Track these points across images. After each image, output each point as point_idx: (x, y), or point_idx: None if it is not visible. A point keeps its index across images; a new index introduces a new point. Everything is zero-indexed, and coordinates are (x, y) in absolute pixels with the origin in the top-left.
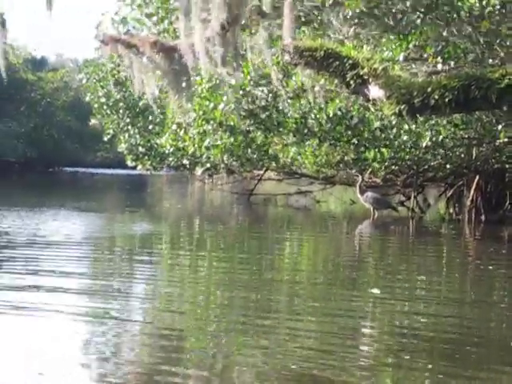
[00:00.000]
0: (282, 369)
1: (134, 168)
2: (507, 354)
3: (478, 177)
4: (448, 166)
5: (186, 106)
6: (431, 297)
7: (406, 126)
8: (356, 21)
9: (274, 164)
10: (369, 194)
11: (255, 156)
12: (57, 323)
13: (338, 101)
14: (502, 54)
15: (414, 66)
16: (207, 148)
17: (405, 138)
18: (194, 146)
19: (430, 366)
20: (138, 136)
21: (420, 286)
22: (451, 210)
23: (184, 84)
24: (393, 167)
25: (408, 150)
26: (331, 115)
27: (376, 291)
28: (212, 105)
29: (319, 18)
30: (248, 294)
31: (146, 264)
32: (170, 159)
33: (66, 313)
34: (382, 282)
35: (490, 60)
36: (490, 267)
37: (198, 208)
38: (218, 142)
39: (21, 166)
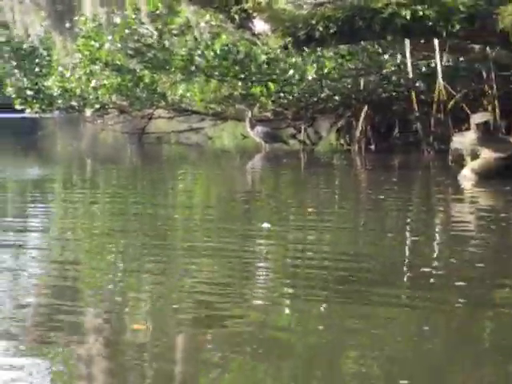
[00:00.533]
0: (176, 303)
1: (24, 111)
2: (397, 277)
3: (366, 107)
4: (337, 98)
5: (70, 46)
6: (323, 227)
7: (293, 60)
8: None
9: (163, 102)
10: (259, 128)
11: (144, 95)
12: None
13: (224, 36)
14: None
15: None
16: (94, 88)
17: (291, 72)
18: (80, 87)
19: (325, 293)
20: (24, 79)
21: (311, 217)
22: (342, 141)
23: (68, 24)
24: (281, 101)
25: (294, 83)
26: (218, 51)
27: (266, 225)
28: (97, 45)
29: None
30: (142, 234)
31: (39, 206)
32: (59, 101)
33: None
34: (274, 216)
35: None
36: (381, 196)
37: (88, 149)
38: (105, 82)
39: None
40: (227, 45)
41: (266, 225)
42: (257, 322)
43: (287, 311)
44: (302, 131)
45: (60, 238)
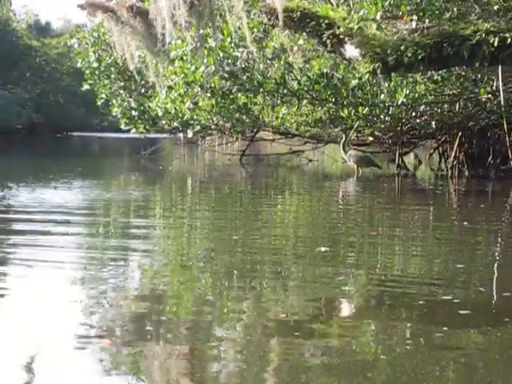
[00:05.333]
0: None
1: (142, 133)
2: (480, 304)
3: (460, 133)
4: (433, 123)
5: (162, 69)
6: (405, 251)
7: (386, 84)
8: None
9: (264, 125)
10: (352, 152)
11: (244, 117)
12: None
13: (322, 60)
14: (478, 11)
15: (390, 24)
16: (189, 110)
17: (382, 96)
18: (175, 108)
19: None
20: (130, 100)
21: (390, 241)
22: (437, 167)
23: (160, 47)
24: (377, 125)
25: (383, 106)
26: (312, 75)
27: (324, 249)
28: (193, 67)
29: None
30: (232, 254)
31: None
32: (162, 122)
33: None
34: (349, 238)
35: (467, 17)
36: (465, 223)
37: (191, 170)
38: (200, 104)
39: (27, 132)
40: (320, 69)
41: (323, 248)
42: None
43: (372, 333)
44: (397, 156)
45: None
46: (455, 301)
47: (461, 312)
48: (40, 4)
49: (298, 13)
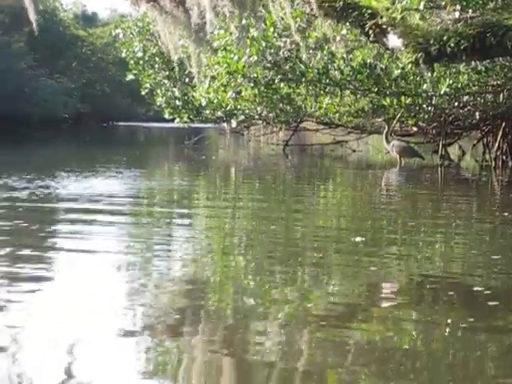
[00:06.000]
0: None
1: (186, 122)
2: None
3: (504, 124)
4: (477, 114)
5: (205, 59)
6: (446, 240)
7: (428, 74)
8: None
9: (302, 115)
10: (395, 142)
11: (288, 107)
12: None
13: (365, 50)
14: None
15: (433, 14)
16: (232, 100)
17: (424, 86)
18: (217, 98)
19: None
20: (174, 89)
21: (429, 231)
22: (481, 158)
23: (203, 37)
24: (420, 116)
25: (426, 96)
26: (355, 65)
27: (359, 239)
28: (236, 57)
29: None
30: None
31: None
32: (206, 112)
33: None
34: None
35: (511, 7)
36: (506, 214)
37: (235, 159)
38: (243, 94)
39: (74, 121)
40: (363, 59)
41: (358, 238)
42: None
43: (411, 321)
44: (440, 146)
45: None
46: (490, 292)
47: (490, 303)
48: None
49: (341, 3)
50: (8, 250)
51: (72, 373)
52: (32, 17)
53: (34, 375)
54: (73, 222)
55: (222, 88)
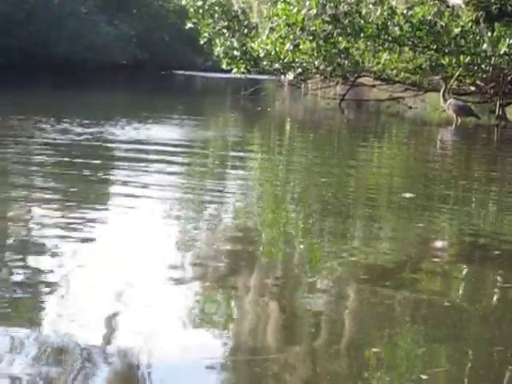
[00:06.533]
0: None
1: (243, 73)
2: None
3: None
4: None
5: (264, 10)
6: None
7: (488, 33)
8: None
9: (359, 70)
10: (452, 101)
11: (346, 62)
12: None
13: (426, 7)
14: None
15: None
16: (290, 52)
17: (484, 45)
18: (276, 50)
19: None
20: (233, 39)
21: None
22: None
23: None
24: (478, 75)
25: (485, 56)
26: (414, 22)
27: (409, 195)
28: (295, 9)
29: None
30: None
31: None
32: (264, 63)
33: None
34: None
35: None
36: None
37: (290, 112)
38: (301, 47)
39: (132, 68)
40: (423, 16)
41: (409, 194)
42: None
43: (461, 282)
44: (497, 106)
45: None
46: None
47: None
48: None
49: None
50: (59, 196)
51: (120, 320)
52: None
53: (83, 319)
54: (129, 168)
55: (281, 40)
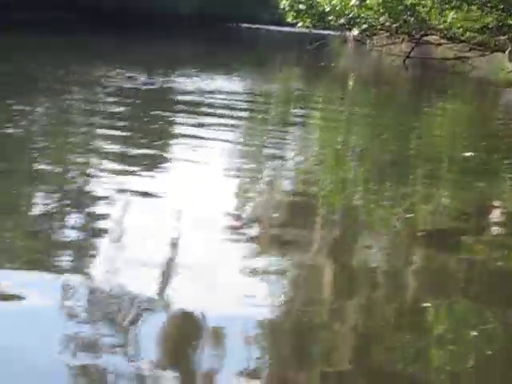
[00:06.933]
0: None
1: (308, 27)
2: None
3: None
4: None
5: None
6: None
7: None
8: None
9: (425, 27)
10: None
11: (412, 19)
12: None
13: None
14: None
15: None
16: (356, 7)
17: None
18: (341, 4)
19: None
20: None
21: None
22: None
23: None
24: None
25: None
26: None
27: (470, 153)
28: None
29: None
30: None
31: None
32: (330, 18)
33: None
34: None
35: None
36: None
37: (354, 68)
38: (367, 2)
39: (198, 20)
40: None
41: (470, 153)
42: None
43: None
44: None
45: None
46: None
47: None
48: None
49: None
50: (123, 149)
51: (176, 270)
52: None
53: (138, 268)
54: (190, 123)
55: None
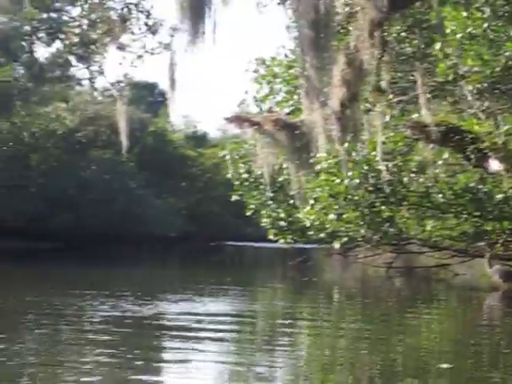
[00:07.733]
0: None
1: (290, 243)
2: None
3: None
4: None
5: (304, 181)
6: None
7: None
8: (486, 95)
9: (404, 237)
10: (497, 266)
11: (392, 230)
12: None
13: (469, 174)
14: None
15: None
16: (334, 222)
17: None
18: (319, 219)
19: None
20: (279, 210)
21: None
22: None
23: (305, 160)
24: None
25: None
26: (457, 189)
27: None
28: (338, 180)
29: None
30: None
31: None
32: (311, 233)
33: None
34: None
35: None
36: None
37: (337, 281)
38: (344, 216)
39: (181, 240)
40: (466, 183)
41: (445, 365)
42: None
43: None
44: None
45: None
46: None
47: None
48: (199, 115)
49: (443, 127)
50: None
51: None
52: (124, 139)
53: None
54: (174, 349)
55: (324, 210)
